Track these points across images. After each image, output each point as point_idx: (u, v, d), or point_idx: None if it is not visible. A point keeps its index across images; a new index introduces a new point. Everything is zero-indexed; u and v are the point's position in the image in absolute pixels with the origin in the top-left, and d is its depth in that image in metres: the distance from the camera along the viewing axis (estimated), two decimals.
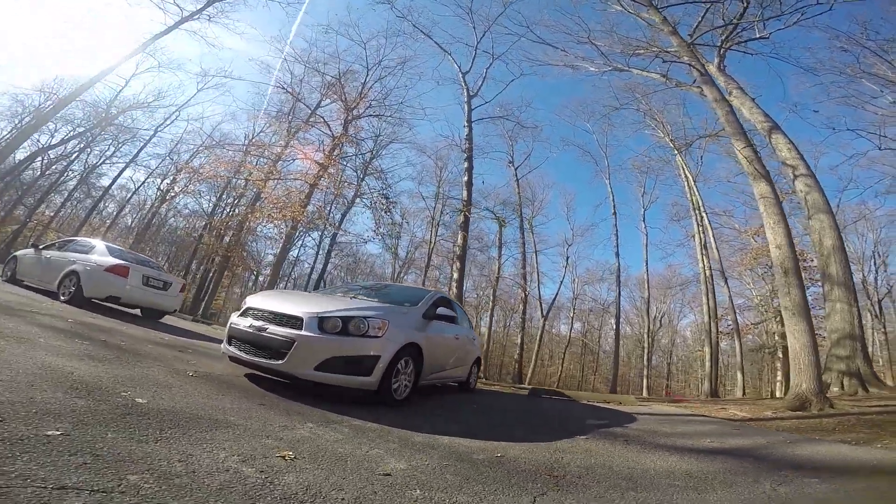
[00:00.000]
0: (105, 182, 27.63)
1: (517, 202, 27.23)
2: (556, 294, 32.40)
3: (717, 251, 20.75)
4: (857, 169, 31.12)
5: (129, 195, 29.07)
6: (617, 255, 25.70)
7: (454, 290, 13.19)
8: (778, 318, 21.83)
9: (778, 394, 20.94)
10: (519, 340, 26.63)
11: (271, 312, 3.84)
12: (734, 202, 30.46)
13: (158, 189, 26.97)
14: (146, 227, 26.65)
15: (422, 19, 20.28)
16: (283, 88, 17.78)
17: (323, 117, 17.51)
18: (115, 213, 28.50)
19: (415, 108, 30.09)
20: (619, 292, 25.51)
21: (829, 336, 11.99)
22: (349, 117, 17.22)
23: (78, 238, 9.75)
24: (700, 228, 22.01)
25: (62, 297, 7.62)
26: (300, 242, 30.78)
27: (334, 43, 40.52)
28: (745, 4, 12.43)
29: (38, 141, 22.99)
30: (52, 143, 22.90)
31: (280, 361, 3.50)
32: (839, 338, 11.49)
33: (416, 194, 28.42)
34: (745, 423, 6.37)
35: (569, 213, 44.04)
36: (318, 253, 23.70)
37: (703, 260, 21.55)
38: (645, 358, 26.59)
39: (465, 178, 15.17)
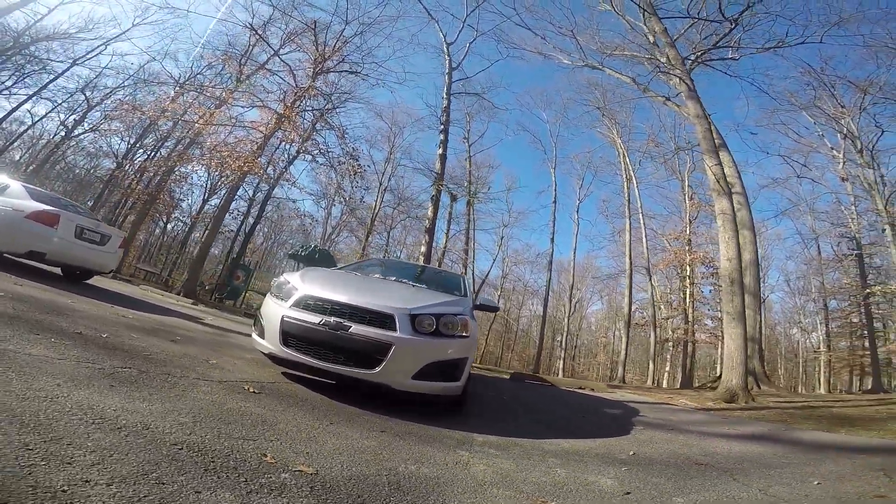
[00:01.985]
0: None
1: (467, 179, 27.11)
2: (489, 271, 33.21)
3: (647, 250, 22.62)
4: (765, 191, 35.44)
5: (23, 128, 23.67)
6: (552, 240, 26.87)
7: (422, 262, 12.82)
8: (682, 317, 24.79)
9: (664, 384, 23.90)
10: None
11: (348, 306, 3.11)
12: (657, 206, 33.29)
13: (62, 124, 22.27)
14: (43, 164, 21.95)
15: None
16: (250, 27, 15.27)
17: (289, 64, 15.51)
18: (2, 146, 23.03)
19: (391, 70, 28.35)
20: (551, 276, 26.86)
21: None
22: (319, 69, 15.46)
23: None
24: (630, 226, 23.83)
25: None
26: (222, 192, 27.92)
27: None
28: (732, 26, 13.08)
29: None
30: None
31: (374, 370, 2.93)
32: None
33: (365, 157, 26.97)
34: (713, 412, 7.10)
35: (508, 196, 44.60)
36: (250, 206, 21.43)
37: (629, 255, 23.46)
38: (563, 340, 28.51)
39: (440, 151, 14.62)
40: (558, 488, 2.12)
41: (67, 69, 21.29)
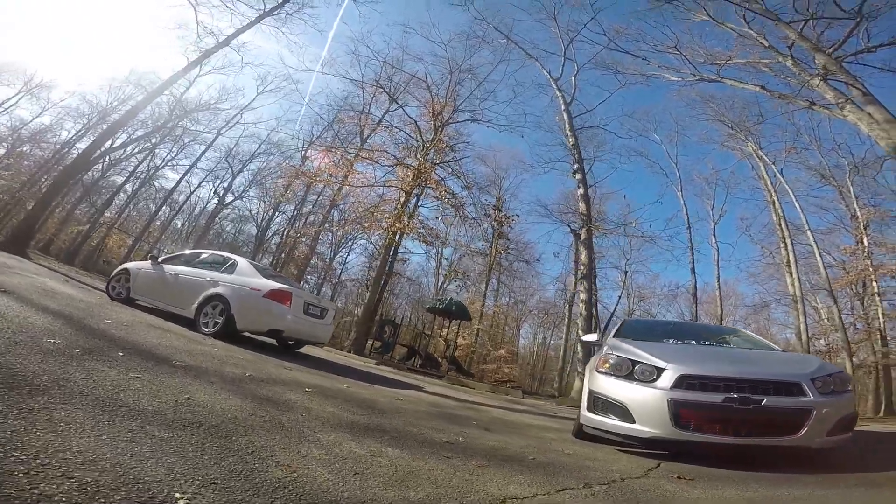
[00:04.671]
0: (160, 184, 26.68)
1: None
2: (615, 309, 30.71)
3: (825, 270, 19.29)
4: None
5: (185, 198, 27.98)
6: (693, 271, 24.24)
7: (583, 311, 11.93)
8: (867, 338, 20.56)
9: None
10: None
11: (746, 380, 3.22)
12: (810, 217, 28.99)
13: (214, 192, 25.94)
14: (205, 231, 25.50)
15: (502, 25, 19.94)
16: (379, 85, 16.49)
17: (413, 119, 16.30)
18: (170, 217, 27.38)
19: (511, 114, 29.05)
20: (697, 310, 24.00)
21: None
22: (440, 121, 15.96)
23: (204, 251, 8.48)
24: (789, 245, 20.63)
25: (205, 329, 6.15)
26: (347, 250, 29.90)
27: (413, 43, 39.79)
28: (858, 20, 11.24)
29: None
30: (115, 146, 21.67)
31: (797, 435, 3.09)
32: None
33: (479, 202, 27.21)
34: None
35: (626, 226, 41.94)
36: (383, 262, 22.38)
37: (794, 279, 20.15)
38: None
39: (581, 191, 13.91)
40: None
41: (216, 138, 24.66)
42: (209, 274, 6.95)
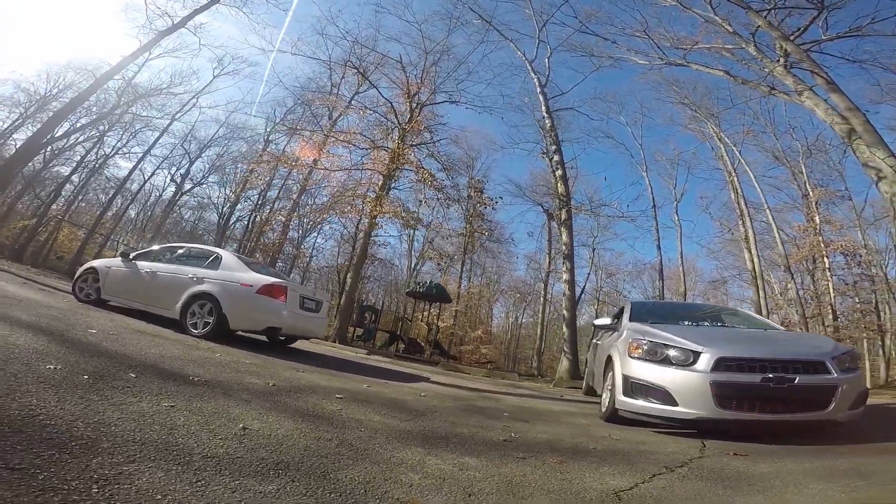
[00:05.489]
0: (111, 173, 24.69)
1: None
2: (585, 285, 31.50)
3: (782, 246, 20.43)
4: None
5: (139, 187, 26.01)
6: (658, 248, 25.19)
7: (567, 291, 12.15)
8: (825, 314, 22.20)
9: None
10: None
11: (776, 361, 3.40)
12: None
13: (171, 179, 24.28)
14: (164, 220, 23.92)
15: (476, 6, 19.59)
16: (351, 65, 15.74)
17: (389, 101, 15.72)
18: (124, 207, 25.38)
19: (482, 95, 28.48)
20: (663, 285, 25.05)
21: None
22: (413, 104, 15.52)
23: (180, 245, 7.92)
24: (748, 223, 21.73)
25: (194, 331, 5.73)
26: (316, 234, 29.02)
27: (388, 22, 37.80)
28: (818, 11, 11.75)
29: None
30: (57, 135, 19.60)
31: (826, 410, 3.27)
32: None
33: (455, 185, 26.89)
34: None
35: (593, 205, 42.79)
36: (355, 245, 21.76)
37: (753, 255, 21.30)
38: None
39: (560, 172, 14.01)
40: None
41: (170, 124, 22.90)
42: (191, 270, 6.46)
